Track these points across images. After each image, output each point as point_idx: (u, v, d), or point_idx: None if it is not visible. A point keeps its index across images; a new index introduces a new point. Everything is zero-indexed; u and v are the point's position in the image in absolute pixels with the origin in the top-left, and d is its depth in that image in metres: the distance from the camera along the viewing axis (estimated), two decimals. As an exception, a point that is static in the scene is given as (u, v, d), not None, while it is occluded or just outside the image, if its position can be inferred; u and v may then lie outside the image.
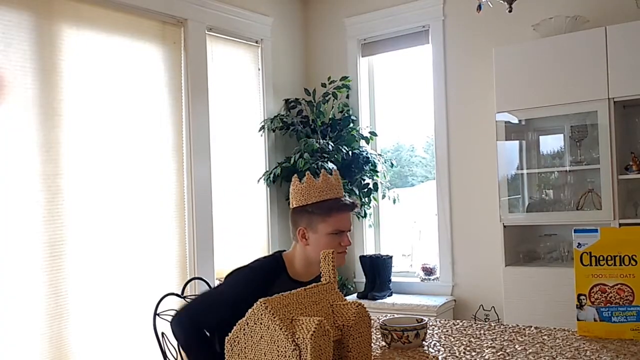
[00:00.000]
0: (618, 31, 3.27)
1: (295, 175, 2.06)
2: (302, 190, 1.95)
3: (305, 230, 1.97)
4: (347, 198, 2.01)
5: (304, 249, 2.00)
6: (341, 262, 1.99)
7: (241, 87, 4.28)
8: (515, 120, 3.69)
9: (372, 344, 1.49)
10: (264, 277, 1.94)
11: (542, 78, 3.49)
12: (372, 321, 1.48)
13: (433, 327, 2.00)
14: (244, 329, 1.37)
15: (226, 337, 1.41)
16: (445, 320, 2.10)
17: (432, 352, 1.69)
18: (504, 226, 3.60)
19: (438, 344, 1.78)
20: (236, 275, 1.97)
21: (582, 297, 1.80)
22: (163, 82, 3.66)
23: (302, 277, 2.02)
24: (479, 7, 2.64)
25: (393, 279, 4.34)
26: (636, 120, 3.49)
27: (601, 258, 1.80)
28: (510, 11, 2.62)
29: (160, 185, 3.60)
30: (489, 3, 2.66)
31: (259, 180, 4.29)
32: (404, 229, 4.73)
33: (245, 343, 1.36)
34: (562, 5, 3.70)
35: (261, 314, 1.34)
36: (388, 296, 4.23)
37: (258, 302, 1.36)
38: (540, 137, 3.80)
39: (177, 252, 3.67)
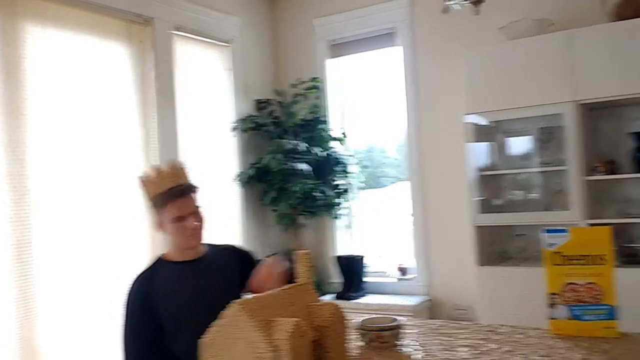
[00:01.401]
0: (583, 34, 3.33)
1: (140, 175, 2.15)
2: (144, 187, 2.08)
3: (159, 222, 2.08)
4: (184, 184, 2.08)
5: (168, 237, 2.12)
6: (195, 243, 2.10)
7: (211, 88, 4.24)
8: (485, 122, 3.72)
9: (349, 344, 1.48)
10: (143, 276, 2.09)
11: (510, 80, 3.53)
12: (348, 321, 1.48)
13: (409, 327, 2.01)
14: (220, 331, 1.35)
15: (198, 340, 1.38)
16: (421, 320, 2.11)
17: (408, 352, 1.69)
18: (476, 227, 3.63)
19: (414, 344, 1.79)
20: (126, 297, 2.08)
21: (554, 297, 1.82)
22: (130, 82, 3.59)
23: (184, 258, 2.12)
24: (446, 10, 2.66)
25: (369, 279, 4.36)
26: (602, 122, 3.56)
27: (571, 258, 1.81)
28: (477, 14, 2.64)
29: (129, 186, 3.53)
30: (455, 6, 2.67)
31: (231, 182, 4.26)
32: (379, 229, 4.74)
33: (220, 345, 1.34)
34: (529, 8, 3.76)
35: (237, 316, 1.31)
36: (364, 296, 4.24)
37: (234, 305, 1.33)
38: (510, 138, 3.85)
39: (149, 253, 3.60)
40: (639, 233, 3.43)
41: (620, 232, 3.26)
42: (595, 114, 3.52)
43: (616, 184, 3.50)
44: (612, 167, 3.41)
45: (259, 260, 2.29)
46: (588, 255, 1.79)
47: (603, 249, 1.79)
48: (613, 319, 1.74)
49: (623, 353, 1.58)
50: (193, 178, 2.15)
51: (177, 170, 2.09)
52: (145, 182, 2.07)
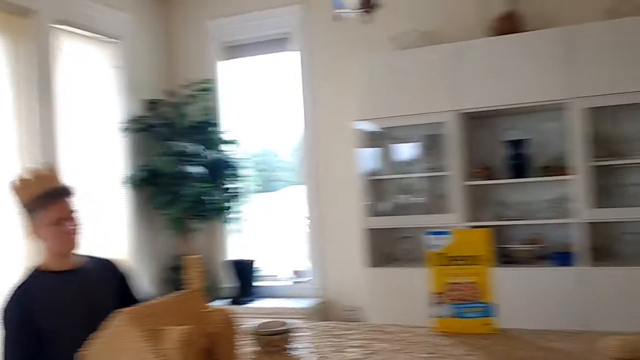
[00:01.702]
0: (466, 47, 3.52)
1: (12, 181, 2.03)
2: (17, 192, 1.99)
3: (35, 229, 2.00)
4: (60, 185, 2.03)
5: (44, 245, 2.04)
6: (71, 247, 2.04)
7: (97, 86, 4.03)
8: (375, 128, 3.83)
9: (243, 350, 1.46)
10: (20, 288, 1.97)
11: (398, 89, 3.66)
12: (241, 326, 1.46)
13: (302, 329, 2.02)
14: (104, 342, 1.28)
15: (76, 352, 1.31)
16: (314, 322, 2.13)
17: (300, 355, 1.70)
18: (365, 229, 3.73)
19: (307, 346, 1.80)
20: (3, 311, 1.96)
21: (438, 296, 1.91)
22: (6, 77, 3.34)
23: (61, 268, 2.04)
24: (337, 18, 2.71)
25: (263, 283, 4.35)
26: (481, 130, 3.78)
27: (453, 258, 1.91)
28: (368, 23, 2.71)
29: (4, 190, 3.27)
30: (347, 14, 2.72)
31: (119, 184, 4.08)
32: (273, 233, 4.73)
33: (104, 357, 1.27)
34: (419, 20, 3.91)
35: (122, 326, 1.25)
36: (257, 300, 4.22)
37: (119, 313, 1.27)
38: (398, 144, 3.99)
39: (32, 258, 3.35)
40: (513, 235, 3.69)
41: (496, 234, 3.48)
42: (474, 123, 3.73)
43: (493, 189, 3.73)
44: (489, 172, 3.64)
45: (133, 286, 2.25)
46: (469, 256, 1.90)
47: (482, 250, 1.90)
48: (490, 316, 1.86)
49: (501, 348, 1.69)
50: (73, 181, 2.05)
51: (53, 172, 2.04)
52: (20, 186, 1.97)
